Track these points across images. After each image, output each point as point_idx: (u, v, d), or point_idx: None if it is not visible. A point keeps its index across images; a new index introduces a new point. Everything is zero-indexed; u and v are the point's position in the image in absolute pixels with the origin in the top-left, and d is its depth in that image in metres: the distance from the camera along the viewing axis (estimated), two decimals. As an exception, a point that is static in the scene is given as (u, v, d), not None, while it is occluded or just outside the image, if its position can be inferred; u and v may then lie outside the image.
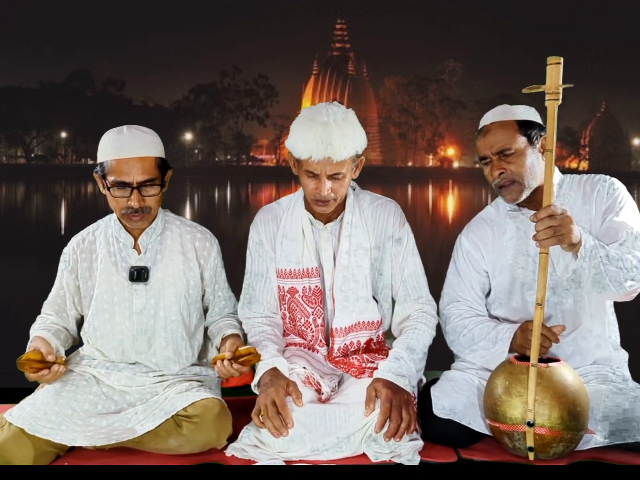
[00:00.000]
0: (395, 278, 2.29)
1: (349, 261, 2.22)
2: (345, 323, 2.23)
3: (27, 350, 2.11)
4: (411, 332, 2.20)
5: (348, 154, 2.07)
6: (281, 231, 2.28)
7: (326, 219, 2.26)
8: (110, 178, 2.13)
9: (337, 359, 2.25)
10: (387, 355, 2.18)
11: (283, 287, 2.29)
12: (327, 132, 2.02)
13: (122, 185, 2.13)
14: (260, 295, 2.32)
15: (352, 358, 2.24)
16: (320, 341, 2.26)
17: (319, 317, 2.25)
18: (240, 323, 2.35)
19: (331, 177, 2.10)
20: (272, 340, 2.23)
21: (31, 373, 1.98)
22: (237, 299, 2.40)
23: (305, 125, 2.07)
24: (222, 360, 2.04)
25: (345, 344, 2.24)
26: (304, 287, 2.25)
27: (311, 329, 2.26)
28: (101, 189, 2.21)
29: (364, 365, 2.21)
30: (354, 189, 2.32)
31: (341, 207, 2.26)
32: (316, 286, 2.24)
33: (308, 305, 2.26)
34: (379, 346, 2.31)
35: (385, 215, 2.28)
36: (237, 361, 2.03)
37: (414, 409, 2.07)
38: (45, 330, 2.19)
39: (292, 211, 2.29)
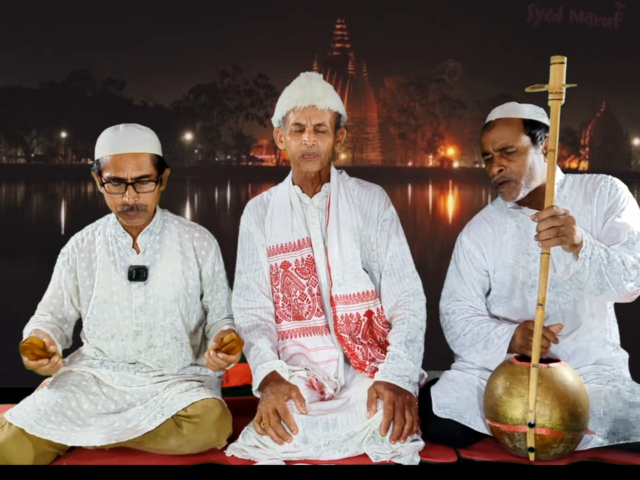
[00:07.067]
0: (380, 256, 2.30)
1: (338, 232, 2.25)
2: (344, 291, 2.23)
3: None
4: (404, 323, 2.20)
5: (331, 105, 2.23)
6: (269, 213, 2.35)
7: (312, 192, 2.32)
8: (106, 174, 2.14)
9: (342, 334, 2.22)
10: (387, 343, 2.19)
11: (275, 264, 2.30)
12: (310, 83, 2.24)
13: (116, 180, 2.13)
14: (252, 280, 2.32)
15: (357, 342, 2.22)
16: (318, 310, 2.26)
17: (314, 286, 2.26)
18: None
19: (316, 130, 2.21)
20: (267, 335, 2.24)
21: (31, 360, 1.98)
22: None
23: (289, 86, 2.29)
24: (209, 352, 2.04)
25: (346, 314, 2.24)
26: (297, 259, 2.28)
27: (307, 300, 2.27)
28: (99, 186, 2.21)
29: (367, 361, 2.20)
30: (340, 173, 2.38)
31: (325, 178, 2.32)
32: (308, 255, 2.27)
33: (302, 278, 2.27)
34: (382, 324, 2.29)
35: (371, 196, 2.34)
36: (221, 350, 2.02)
37: (416, 409, 2.07)
38: (42, 327, 2.17)
39: (280, 191, 2.38)
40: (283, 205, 2.33)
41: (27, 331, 2.18)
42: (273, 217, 2.33)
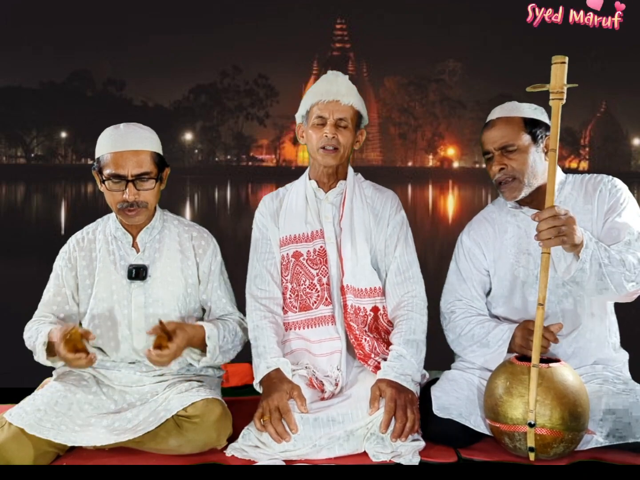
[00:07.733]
0: (387, 256, 2.33)
1: (351, 227, 2.29)
2: (354, 283, 2.26)
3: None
4: (406, 323, 2.21)
5: (354, 103, 2.29)
6: (284, 206, 2.39)
7: (328, 187, 2.36)
8: (106, 171, 2.15)
9: (350, 323, 2.24)
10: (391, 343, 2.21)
11: (287, 254, 2.33)
12: (336, 80, 2.31)
13: (117, 177, 2.14)
14: (264, 269, 2.35)
15: (364, 334, 2.24)
16: (326, 299, 2.28)
17: (324, 276, 2.29)
18: (235, 323, 2.33)
19: (337, 125, 2.26)
20: (273, 329, 2.25)
21: (70, 352, 1.97)
22: (237, 299, 2.40)
23: (315, 82, 2.37)
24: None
25: (355, 305, 2.25)
26: (308, 250, 2.31)
27: (316, 289, 2.29)
28: (99, 185, 2.21)
29: (372, 354, 2.21)
30: (356, 174, 2.42)
31: (342, 175, 2.36)
32: (321, 247, 2.31)
33: (312, 268, 2.31)
34: (387, 322, 2.30)
35: (384, 199, 2.39)
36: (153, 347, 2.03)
37: (417, 408, 2.08)
38: (53, 325, 2.15)
39: (295, 186, 2.43)
40: (298, 198, 2.38)
41: (38, 331, 2.14)
42: (287, 209, 2.37)
